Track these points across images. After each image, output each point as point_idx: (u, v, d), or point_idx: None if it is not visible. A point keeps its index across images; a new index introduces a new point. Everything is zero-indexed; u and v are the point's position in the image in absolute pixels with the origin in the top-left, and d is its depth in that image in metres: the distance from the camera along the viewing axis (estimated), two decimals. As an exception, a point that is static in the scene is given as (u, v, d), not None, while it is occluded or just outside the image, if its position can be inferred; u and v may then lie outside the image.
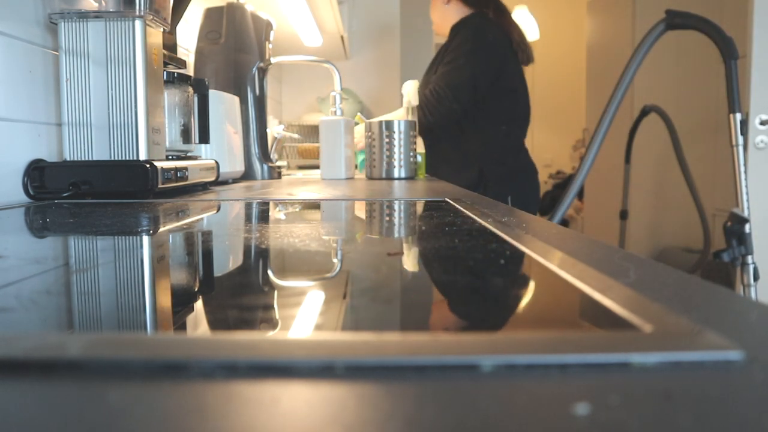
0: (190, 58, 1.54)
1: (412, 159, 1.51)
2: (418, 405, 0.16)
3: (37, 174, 0.88)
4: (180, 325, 0.26)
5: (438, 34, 2.04)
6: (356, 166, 1.70)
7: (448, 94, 1.77)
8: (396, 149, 1.48)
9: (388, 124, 1.49)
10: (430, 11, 2.02)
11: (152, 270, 0.39)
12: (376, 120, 1.50)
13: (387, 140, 1.48)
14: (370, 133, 1.51)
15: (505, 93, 1.86)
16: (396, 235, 0.58)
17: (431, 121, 1.80)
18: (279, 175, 1.61)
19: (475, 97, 1.79)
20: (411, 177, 1.51)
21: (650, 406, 0.15)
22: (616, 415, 0.15)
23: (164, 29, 0.99)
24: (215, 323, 0.27)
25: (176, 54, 1.10)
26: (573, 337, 0.22)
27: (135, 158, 0.91)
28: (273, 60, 1.58)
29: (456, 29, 1.88)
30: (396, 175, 1.49)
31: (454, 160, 1.88)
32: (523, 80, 1.94)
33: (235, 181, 1.44)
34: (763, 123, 2.43)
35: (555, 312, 0.28)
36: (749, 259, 2.02)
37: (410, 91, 1.58)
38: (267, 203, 0.85)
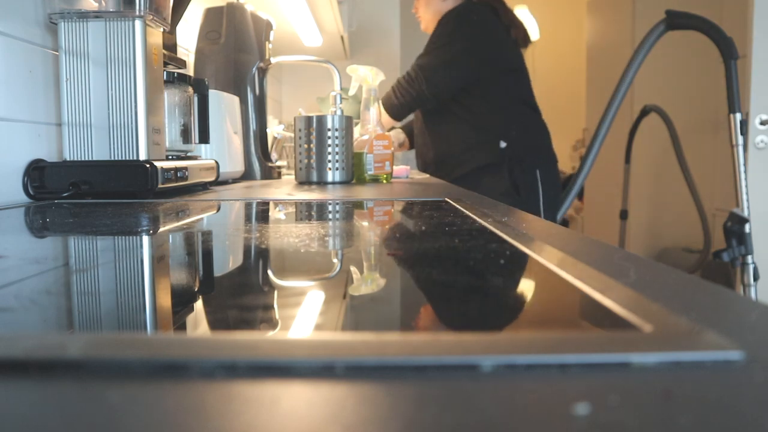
0: (190, 58, 1.54)
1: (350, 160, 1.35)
2: (418, 405, 0.16)
3: (37, 174, 0.88)
4: (180, 325, 0.26)
5: (427, 31, 1.96)
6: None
7: (419, 76, 1.74)
8: (331, 149, 1.31)
9: (320, 119, 1.31)
10: (418, 9, 1.93)
11: (152, 270, 0.39)
12: (304, 115, 1.35)
13: (317, 138, 1.31)
14: (298, 131, 1.34)
15: (507, 74, 1.81)
16: (395, 235, 0.58)
17: (398, 104, 1.77)
18: (279, 175, 1.61)
19: (457, 80, 1.74)
20: (347, 181, 1.34)
21: (650, 406, 0.15)
22: (616, 415, 0.15)
23: (164, 29, 0.99)
24: (215, 323, 0.27)
25: (176, 54, 1.10)
26: (573, 337, 0.22)
27: (135, 158, 0.91)
28: (273, 60, 1.58)
29: (443, 17, 1.82)
30: (330, 178, 1.32)
31: (469, 138, 1.80)
32: (523, 62, 1.88)
33: (235, 181, 1.44)
34: (763, 123, 2.43)
35: (555, 312, 0.28)
36: (749, 259, 2.02)
37: (363, 75, 1.47)
38: (267, 203, 0.85)
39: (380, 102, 1.80)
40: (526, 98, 1.87)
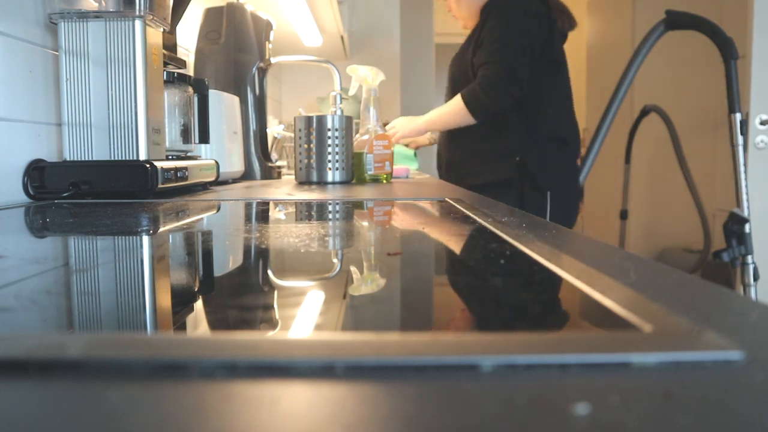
0: (190, 58, 1.54)
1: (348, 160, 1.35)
2: (418, 405, 0.16)
3: (37, 174, 0.88)
4: (180, 325, 0.26)
5: (466, 28, 1.84)
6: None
7: (507, 76, 1.61)
8: (331, 149, 1.31)
9: (320, 119, 1.31)
10: (451, 8, 1.82)
11: (152, 270, 0.39)
12: (304, 115, 1.35)
13: (317, 138, 1.31)
14: (298, 131, 1.35)
15: (553, 67, 1.69)
16: (395, 234, 0.58)
17: (499, 104, 1.63)
18: (279, 175, 1.61)
19: (530, 73, 1.63)
20: (347, 181, 1.35)
21: (650, 406, 0.15)
22: (616, 415, 0.15)
23: (164, 29, 0.99)
24: (215, 323, 0.27)
25: (176, 54, 1.10)
26: (573, 337, 0.22)
27: (135, 158, 0.91)
28: (273, 60, 1.58)
29: (488, 7, 1.70)
30: (330, 178, 1.32)
31: (489, 151, 1.71)
32: (565, 56, 1.76)
33: (235, 181, 1.44)
34: (763, 123, 2.43)
35: (555, 312, 0.28)
36: (749, 259, 2.02)
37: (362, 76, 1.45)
38: (267, 203, 0.85)
39: (465, 101, 1.67)
40: (561, 101, 1.73)
